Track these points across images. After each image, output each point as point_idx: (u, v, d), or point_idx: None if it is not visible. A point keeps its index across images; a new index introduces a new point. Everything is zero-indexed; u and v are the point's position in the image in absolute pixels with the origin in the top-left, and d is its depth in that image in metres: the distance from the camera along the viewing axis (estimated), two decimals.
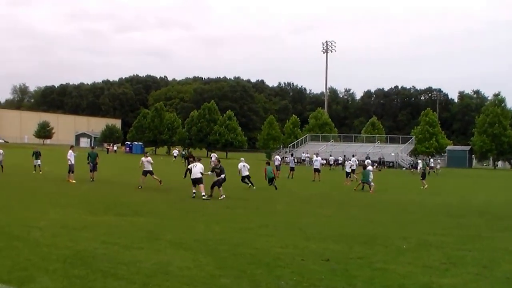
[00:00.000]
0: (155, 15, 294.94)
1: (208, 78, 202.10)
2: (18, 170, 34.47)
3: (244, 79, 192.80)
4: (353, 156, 44.19)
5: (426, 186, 34.08)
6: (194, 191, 22.38)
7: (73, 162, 28.45)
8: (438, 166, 65.01)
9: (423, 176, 35.68)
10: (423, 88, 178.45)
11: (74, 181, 27.52)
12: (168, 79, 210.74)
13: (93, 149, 32.12)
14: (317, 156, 41.19)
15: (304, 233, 13.75)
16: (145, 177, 26.47)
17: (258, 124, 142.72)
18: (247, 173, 28.02)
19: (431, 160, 68.41)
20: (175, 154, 74.13)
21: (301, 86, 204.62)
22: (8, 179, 28.47)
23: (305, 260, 10.17)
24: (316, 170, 38.92)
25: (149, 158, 27.22)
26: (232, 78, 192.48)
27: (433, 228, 15.82)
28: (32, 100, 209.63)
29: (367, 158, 68.32)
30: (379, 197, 26.67)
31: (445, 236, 14.12)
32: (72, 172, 28.36)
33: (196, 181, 22.32)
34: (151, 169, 26.71)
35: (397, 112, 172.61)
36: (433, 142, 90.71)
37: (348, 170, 36.71)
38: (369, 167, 31.56)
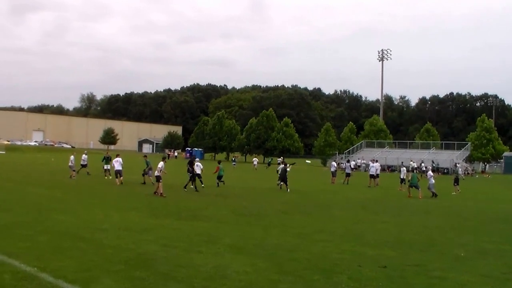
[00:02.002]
0: (218, 27, 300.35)
1: (267, 86, 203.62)
2: (83, 174, 35.59)
3: (301, 87, 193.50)
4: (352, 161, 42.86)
5: (458, 191, 33.72)
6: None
7: (120, 168, 30.05)
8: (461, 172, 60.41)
9: (456, 181, 35.09)
10: (478, 94, 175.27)
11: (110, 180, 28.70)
12: (228, 87, 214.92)
13: (145, 157, 33.13)
14: (373, 162, 40.82)
15: (360, 239, 13.76)
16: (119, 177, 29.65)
17: (314, 130, 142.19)
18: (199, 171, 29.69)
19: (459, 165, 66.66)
20: (255, 163, 73.49)
21: (357, 94, 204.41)
22: (74, 183, 29.67)
23: (362, 266, 10.18)
24: (372, 176, 38.78)
25: (120, 159, 30.36)
26: (290, 86, 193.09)
27: (491, 235, 15.55)
28: (99, 108, 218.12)
29: (421, 164, 67.01)
30: (434, 203, 26.23)
31: (504, 245, 13.86)
32: (117, 176, 29.82)
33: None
34: (121, 169, 29.98)
35: (452, 118, 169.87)
36: (490, 149, 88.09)
37: (402, 176, 36.34)
38: (429, 172, 31.96)
